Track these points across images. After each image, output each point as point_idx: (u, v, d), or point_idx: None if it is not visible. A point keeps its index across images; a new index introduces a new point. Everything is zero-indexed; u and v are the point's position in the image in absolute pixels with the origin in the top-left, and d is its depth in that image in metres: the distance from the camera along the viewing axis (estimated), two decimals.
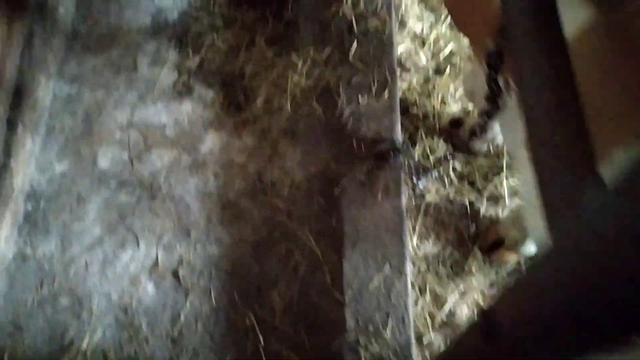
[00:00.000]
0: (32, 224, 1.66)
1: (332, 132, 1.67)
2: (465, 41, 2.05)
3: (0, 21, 1.61)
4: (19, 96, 1.68)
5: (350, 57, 1.74)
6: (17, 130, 1.65)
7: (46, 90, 1.80)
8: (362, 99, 1.67)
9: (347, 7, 1.83)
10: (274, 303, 1.51)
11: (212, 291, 1.55)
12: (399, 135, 1.61)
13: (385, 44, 1.73)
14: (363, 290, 1.41)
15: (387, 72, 1.69)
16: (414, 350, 1.35)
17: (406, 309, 1.38)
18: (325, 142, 1.66)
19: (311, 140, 1.69)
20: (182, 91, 1.84)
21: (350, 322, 1.38)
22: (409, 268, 1.44)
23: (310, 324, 1.46)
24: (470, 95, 1.51)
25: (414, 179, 1.59)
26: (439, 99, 1.94)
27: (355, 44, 1.76)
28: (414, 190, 1.69)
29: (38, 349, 1.51)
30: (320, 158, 1.65)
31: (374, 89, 1.68)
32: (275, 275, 1.54)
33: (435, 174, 1.69)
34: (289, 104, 1.74)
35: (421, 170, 1.58)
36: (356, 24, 1.80)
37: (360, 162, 1.57)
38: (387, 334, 1.35)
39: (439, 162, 1.65)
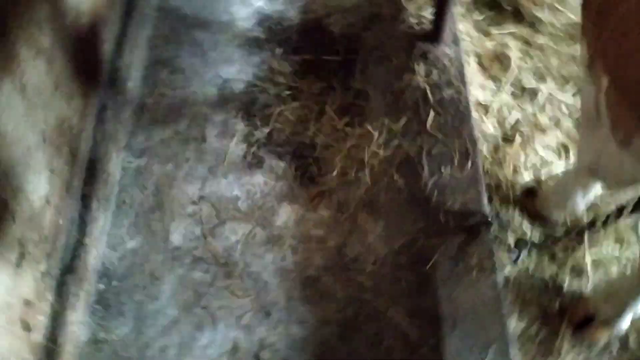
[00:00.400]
0: (105, 305, 1.58)
1: (416, 204, 1.62)
2: (530, 109, 2.04)
3: (76, 94, 1.60)
4: (92, 171, 1.65)
5: (428, 127, 1.72)
6: (91, 205, 1.61)
7: (116, 164, 1.76)
8: (445, 170, 1.64)
9: (419, 77, 1.82)
10: None
11: None
12: (486, 208, 1.57)
13: (463, 114, 1.71)
14: None
15: (467, 142, 1.66)
16: None
17: None
18: (410, 215, 1.61)
19: (394, 213, 1.64)
20: (253, 163, 1.81)
21: None
22: (514, 351, 1.36)
23: None
24: (592, 169, 1.39)
25: (511, 254, 1.53)
26: (511, 168, 1.91)
27: (432, 114, 1.75)
28: (512, 263, 1.62)
29: None
30: (405, 232, 1.60)
31: (455, 160, 1.65)
32: None
33: (531, 248, 1.62)
34: (367, 176, 1.70)
35: (522, 244, 1.52)
36: (431, 94, 1.79)
37: (451, 237, 1.51)
38: None
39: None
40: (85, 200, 1.60)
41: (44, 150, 1.40)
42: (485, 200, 1.58)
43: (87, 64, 1.67)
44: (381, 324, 1.49)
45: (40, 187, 1.38)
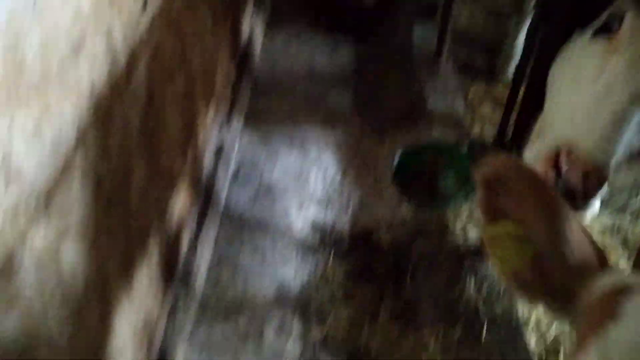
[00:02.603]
0: None
1: None
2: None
3: (159, 290, 1.73)
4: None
5: (482, 340, 1.82)
6: None
7: (180, 356, 1.82)
8: None
9: (470, 289, 1.97)
10: None
11: None
12: None
13: (515, 329, 1.83)
14: None
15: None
16: None
17: None
18: None
19: None
20: None
21: None
22: None
23: None
24: None
25: None
26: None
27: (485, 327, 1.86)
28: None
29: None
30: None
31: None
32: None
33: None
34: None
35: None
36: (483, 306, 1.92)
37: None
38: None
39: None
40: None
41: (132, 342, 1.49)
42: None
43: (170, 260, 1.84)
44: None
45: None
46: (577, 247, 0.70)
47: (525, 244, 0.72)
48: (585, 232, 0.74)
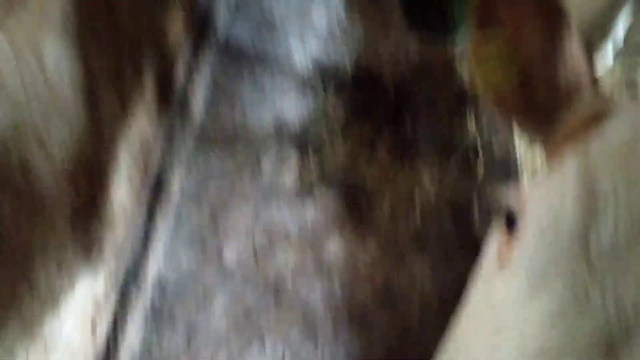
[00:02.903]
0: (158, 317, 1.62)
1: (466, 247, 1.71)
2: None
3: (154, 110, 1.69)
4: (158, 185, 1.72)
5: (478, 180, 1.82)
6: (155, 219, 1.68)
7: (178, 183, 1.85)
8: (494, 213, 1.73)
9: (470, 125, 1.94)
10: None
11: None
12: None
13: (511, 165, 1.83)
14: None
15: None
16: None
17: None
18: (458, 257, 1.69)
19: (442, 254, 1.72)
20: (305, 195, 1.89)
21: None
22: None
23: None
24: None
25: None
26: None
27: (482, 167, 1.86)
28: None
29: None
30: (453, 273, 1.67)
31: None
32: None
33: None
34: (417, 215, 1.79)
35: None
36: (480, 143, 1.90)
37: None
38: None
39: None
40: (150, 213, 1.67)
41: (127, 159, 1.48)
42: None
43: (164, 86, 1.78)
44: (427, 355, 1.53)
45: (120, 194, 1.45)
46: (571, 66, 0.64)
47: (512, 64, 0.66)
48: (582, 53, 0.67)
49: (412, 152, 1.95)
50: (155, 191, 1.70)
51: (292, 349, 1.59)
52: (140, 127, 1.55)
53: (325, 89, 2.17)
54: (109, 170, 1.36)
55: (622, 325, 0.46)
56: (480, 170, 1.85)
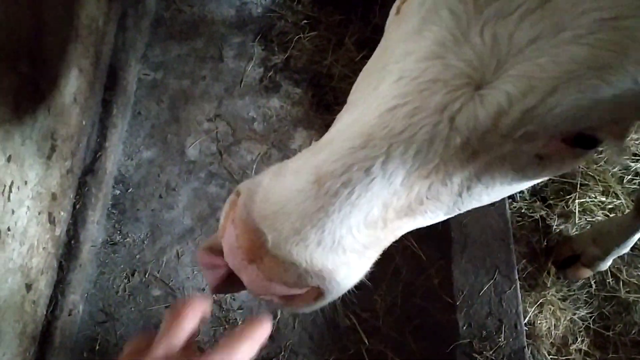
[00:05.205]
0: (121, 209, 1.60)
1: None
2: None
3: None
4: (113, 77, 1.63)
5: None
6: (110, 111, 1.60)
7: (133, 74, 1.75)
8: None
9: None
10: (375, 304, 1.50)
11: None
12: None
13: None
14: (474, 295, 1.42)
15: None
16: (528, 357, 1.38)
17: (518, 316, 1.41)
18: None
19: None
20: (269, 87, 1.83)
21: (462, 327, 1.39)
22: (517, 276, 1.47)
23: (416, 327, 1.46)
24: None
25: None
26: None
27: None
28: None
29: (130, 339, 1.46)
30: None
31: None
32: (375, 277, 1.53)
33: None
34: None
35: None
36: None
37: None
38: (502, 340, 1.37)
39: None
40: (105, 106, 1.59)
41: (75, 46, 1.38)
42: None
43: None
44: (392, 245, 1.56)
45: (70, 83, 1.37)
46: None
47: None
48: None
49: (378, 43, 1.86)
50: (110, 83, 1.62)
51: None
52: (86, 10, 1.44)
53: None
54: (52, 55, 1.27)
55: (494, 61, 0.50)
56: None
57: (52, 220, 1.34)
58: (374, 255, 0.65)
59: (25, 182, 1.19)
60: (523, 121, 0.51)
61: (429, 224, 0.67)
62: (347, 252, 0.58)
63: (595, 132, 0.53)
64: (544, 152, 0.56)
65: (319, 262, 0.57)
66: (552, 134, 0.53)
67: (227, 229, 0.60)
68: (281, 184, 0.58)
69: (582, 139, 0.54)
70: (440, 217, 0.64)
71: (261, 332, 0.58)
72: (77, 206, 1.45)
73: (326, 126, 1.74)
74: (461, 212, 0.67)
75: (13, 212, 1.15)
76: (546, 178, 0.76)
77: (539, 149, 0.55)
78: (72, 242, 1.43)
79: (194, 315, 0.58)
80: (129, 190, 1.62)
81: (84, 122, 1.47)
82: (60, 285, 1.38)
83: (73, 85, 1.38)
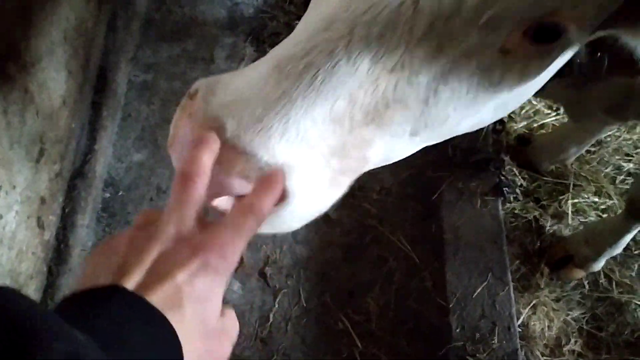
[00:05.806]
0: (110, 212, 1.58)
1: None
2: None
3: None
4: (102, 79, 1.62)
5: None
6: (100, 114, 1.59)
7: (124, 76, 1.73)
8: None
9: None
10: (368, 307, 1.50)
11: (301, 293, 1.53)
12: (490, 147, 1.65)
13: None
14: (467, 298, 1.42)
15: None
16: (521, 359, 1.37)
17: (511, 318, 1.40)
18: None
19: None
20: None
21: (455, 329, 1.39)
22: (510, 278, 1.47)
23: (409, 329, 1.46)
24: None
25: (505, 191, 1.62)
26: (506, 116, 1.99)
27: None
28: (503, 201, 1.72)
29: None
30: (412, 164, 1.66)
31: None
32: (368, 280, 1.53)
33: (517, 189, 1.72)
34: None
35: (511, 183, 1.62)
36: None
37: (458, 170, 1.59)
38: (495, 342, 1.36)
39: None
40: (95, 108, 1.57)
41: (64, 49, 1.36)
42: (490, 140, 1.66)
43: None
44: (385, 248, 1.56)
45: (59, 86, 1.35)
46: None
47: None
48: None
49: None
50: (100, 85, 1.60)
51: (251, 245, 1.58)
52: (75, 12, 1.42)
53: None
54: (41, 57, 1.25)
55: None
56: None
57: (41, 225, 1.32)
58: (346, 181, 0.60)
59: (14, 187, 1.17)
60: (486, 2, 0.50)
61: (398, 152, 0.65)
62: (314, 150, 0.54)
63: (555, 18, 0.52)
64: (508, 46, 0.55)
65: (282, 154, 0.52)
66: (515, 23, 0.52)
67: (181, 128, 0.56)
68: (241, 75, 0.56)
69: (544, 32, 0.53)
70: (406, 136, 0.61)
71: (275, 192, 0.52)
72: (67, 210, 1.44)
73: None
74: (430, 138, 0.64)
75: (1, 216, 1.13)
76: (518, 104, 0.73)
77: (503, 40, 0.54)
78: (62, 246, 1.41)
79: (205, 175, 0.51)
80: (119, 194, 1.61)
81: (73, 125, 1.45)
82: (49, 290, 1.37)
83: (62, 87, 1.37)
